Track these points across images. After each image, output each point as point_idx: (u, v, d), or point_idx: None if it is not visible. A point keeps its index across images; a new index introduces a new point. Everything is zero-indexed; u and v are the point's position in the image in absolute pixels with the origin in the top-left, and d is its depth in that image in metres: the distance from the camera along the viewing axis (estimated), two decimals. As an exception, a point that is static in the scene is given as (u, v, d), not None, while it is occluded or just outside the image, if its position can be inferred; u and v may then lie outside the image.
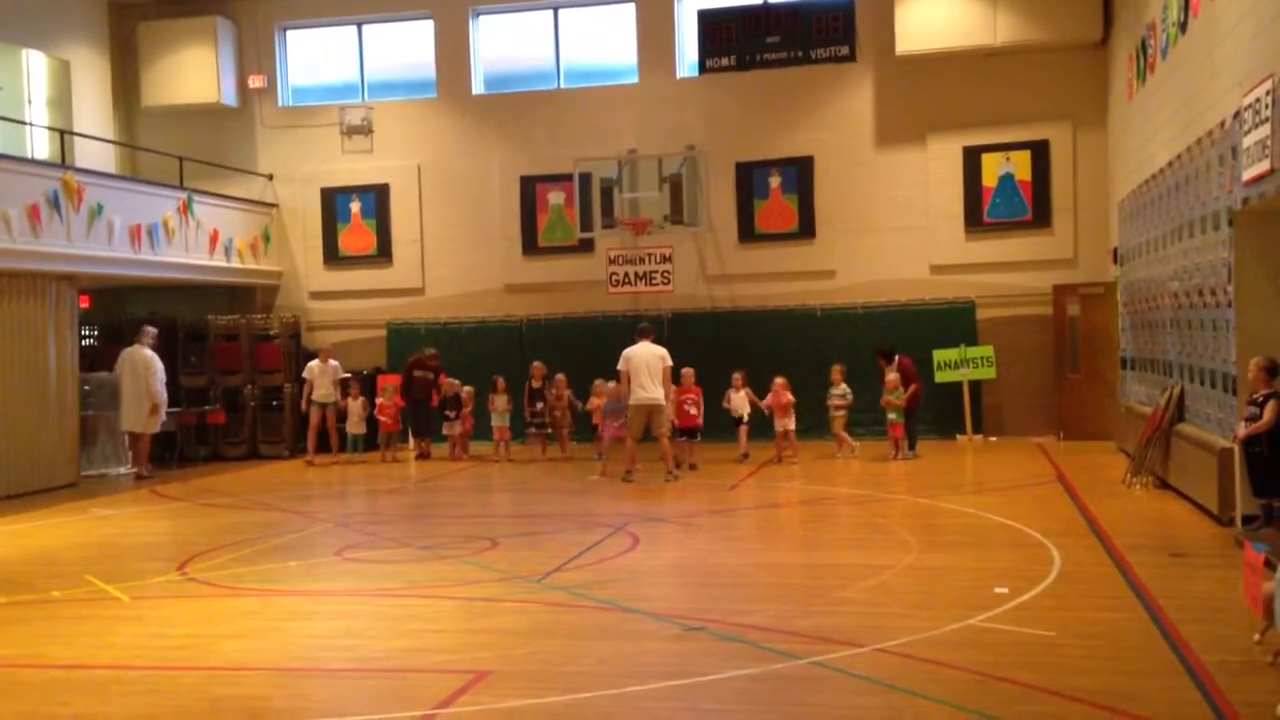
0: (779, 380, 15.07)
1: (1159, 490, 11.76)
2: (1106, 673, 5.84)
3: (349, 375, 17.39)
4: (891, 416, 15.10)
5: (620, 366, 13.55)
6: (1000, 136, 17.40)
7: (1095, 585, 7.78)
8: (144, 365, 15.97)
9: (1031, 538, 9.44)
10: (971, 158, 17.53)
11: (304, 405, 16.97)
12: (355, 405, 16.97)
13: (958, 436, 17.08)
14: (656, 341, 13.74)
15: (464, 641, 6.91)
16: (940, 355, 17.10)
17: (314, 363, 16.99)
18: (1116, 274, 15.93)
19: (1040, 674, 5.78)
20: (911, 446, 15.13)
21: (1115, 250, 16.02)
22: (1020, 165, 17.42)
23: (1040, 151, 17.34)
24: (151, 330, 16.53)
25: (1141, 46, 13.97)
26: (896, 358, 15.36)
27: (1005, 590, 7.54)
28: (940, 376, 17.13)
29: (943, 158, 17.62)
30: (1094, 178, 17.17)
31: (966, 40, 16.88)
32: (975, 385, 17.20)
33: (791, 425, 14.95)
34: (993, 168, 17.49)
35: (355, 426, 16.99)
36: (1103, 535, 9.47)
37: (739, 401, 15.18)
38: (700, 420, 14.64)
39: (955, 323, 17.40)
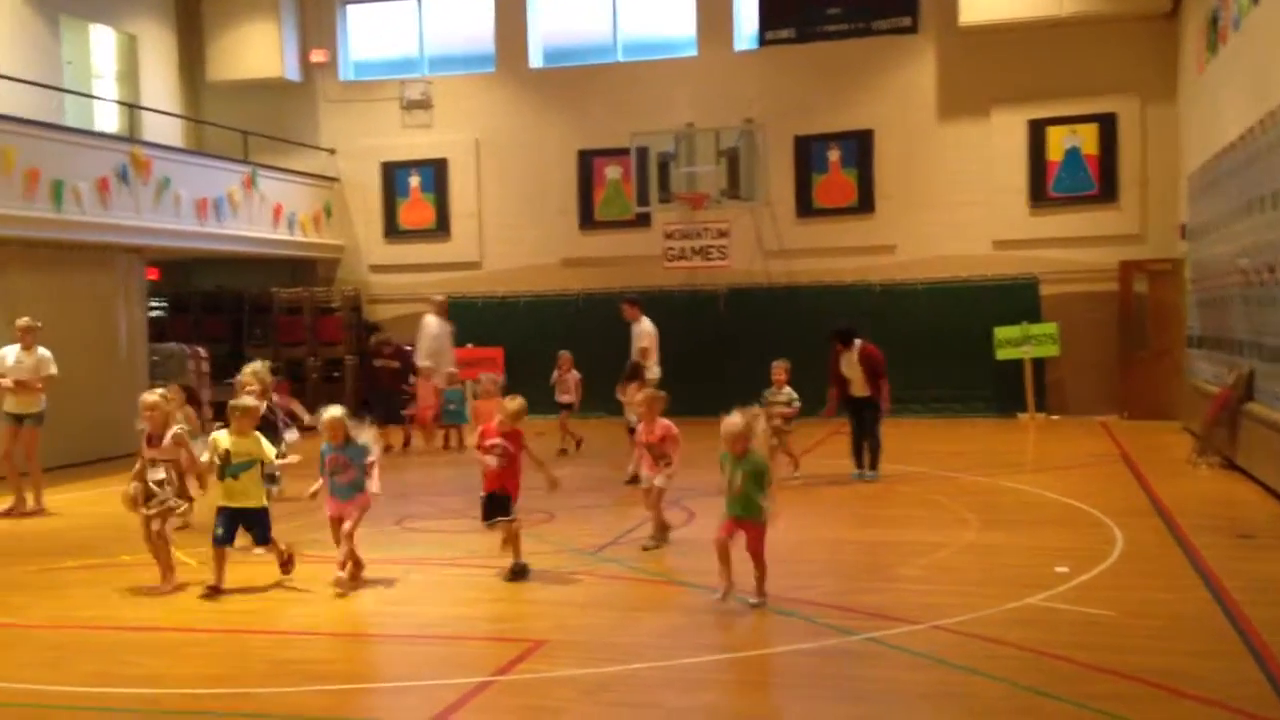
0: (642, 396, 8.85)
1: (1226, 471, 11.54)
2: (1167, 653, 5.76)
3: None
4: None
5: (649, 344, 13.07)
6: (1066, 109, 17.06)
7: (1158, 565, 7.68)
8: (422, 329, 15.95)
9: (1093, 517, 9.33)
10: (1036, 131, 17.21)
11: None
12: None
13: (1019, 415, 16.87)
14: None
15: (520, 611, 7.00)
16: (1002, 332, 16.87)
17: (9, 348, 10.95)
18: (1185, 250, 15.59)
19: (1098, 653, 5.72)
20: (874, 465, 11.58)
21: (1183, 226, 15.68)
22: (1087, 139, 17.07)
23: (1107, 125, 16.97)
24: (436, 298, 16.39)
25: (1212, 18, 13.61)
26: (858, 343, 11.51)
27: (1065, 569, 7.46)
28: (1001, 354, 16.91)
29: (1006, 131, 17.31)
30: (1163, 152, 16.78)
31: (1032, 10, 16.55)
32: (1038, 363, 16.95)
33: (661, 481, 8.45)
34: (1058, 141, 17.17)
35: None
36: (1167, 516, 9.33)
37: (564, 386, 13.21)
38: None
39: (1018, 299, 17.11)
